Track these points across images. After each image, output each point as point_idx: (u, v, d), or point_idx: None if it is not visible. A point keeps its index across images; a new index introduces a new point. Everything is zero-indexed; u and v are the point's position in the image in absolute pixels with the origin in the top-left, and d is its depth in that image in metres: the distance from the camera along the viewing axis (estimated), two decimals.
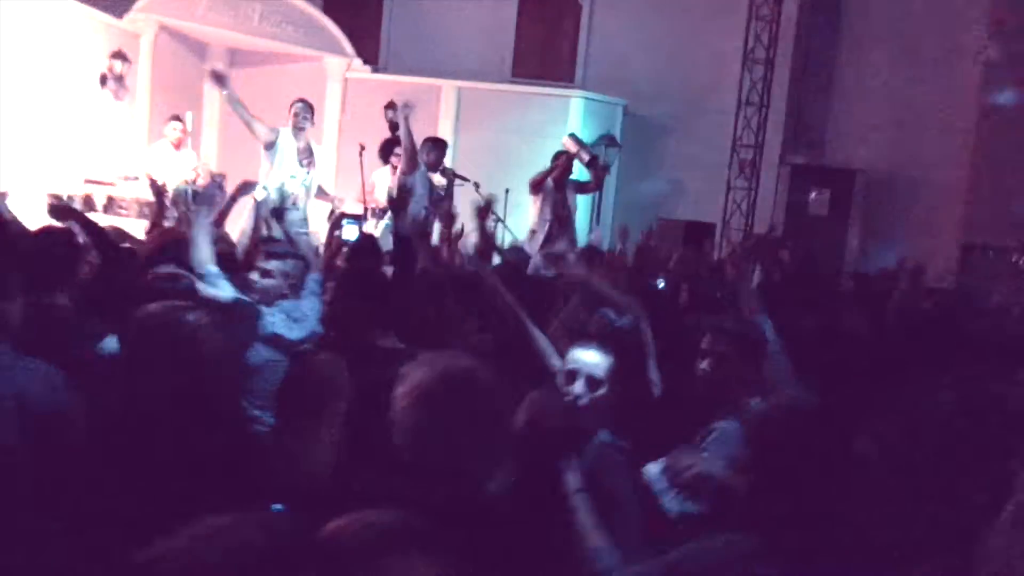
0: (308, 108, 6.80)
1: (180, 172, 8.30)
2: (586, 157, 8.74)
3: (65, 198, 7.15)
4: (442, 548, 1.18)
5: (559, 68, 12.59)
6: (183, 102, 10.57)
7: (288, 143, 6.64)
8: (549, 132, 10.49)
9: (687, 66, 11.78)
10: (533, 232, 8.29)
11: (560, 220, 8.24)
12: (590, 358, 2.59)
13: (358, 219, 6.16)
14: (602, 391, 2.54)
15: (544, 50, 12.69)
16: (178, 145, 8.89)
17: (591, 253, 5.21)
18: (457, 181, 8.15)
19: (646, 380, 3.19)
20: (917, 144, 11.85)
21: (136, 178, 7.95)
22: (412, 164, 7.41)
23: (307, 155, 6.72)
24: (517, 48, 12.65)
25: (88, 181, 7.73)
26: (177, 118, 8.97)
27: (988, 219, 10.85)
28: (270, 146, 6.57)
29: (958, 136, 11.38)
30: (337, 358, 2.46)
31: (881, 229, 11.81)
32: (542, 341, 3.21)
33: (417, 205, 7.32)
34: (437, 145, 7.85)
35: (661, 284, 5.22)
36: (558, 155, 8.40)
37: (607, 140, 11.29)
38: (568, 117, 11.23)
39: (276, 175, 6.57)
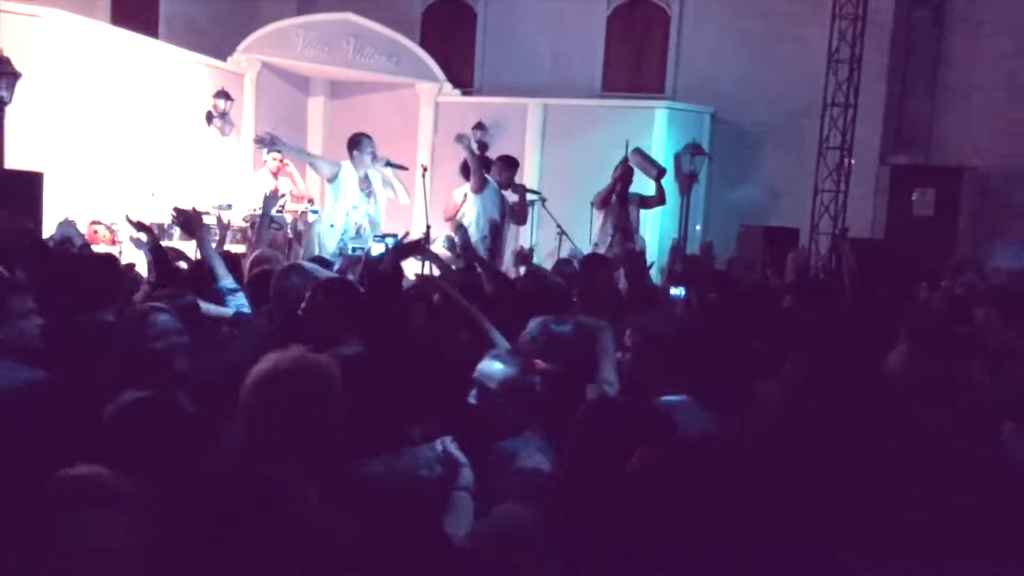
0: (369, 141, 7.27)
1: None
2: (653, 172, 8.82)
3: (166, 227, 7.95)
4: (138, 505, 1.48)
5: (649, 80, 12.68)
6: (289, 132, 11.41)
7: (350, 175, 7.11)
8: (636, 144, 10.58)
9: (774, 70, 11.63)
10: (595, 245, 8.43)
11: (623, 233, 8.36)
12: (487, 368, 2.82)
13: (383, 239, 6.53)
14: (499, 400, 2.74)
15: (634, 63, 12.82)
16: (276, 173, 9.64)
17: (593, 260, 5.35)
18: (528, 196, 8.40)
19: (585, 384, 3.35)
20: None
21: (229, 206, 8.70)
22: (479, 184, 7.75)
23: (366, 185, 7.17)
24: (607, 63, 12.83)
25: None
26: (277, 148, 9.72)
27: None
28: (333, 179, 7.06)
29: None
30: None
31: (994, 228, 11.24)
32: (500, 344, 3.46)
33: (483, 222, 7.69)
34: (509, 164, 8.14)
35: (680, 292, 5.33)
36: (617, 167, 8.53)
37: (693, 149, 11.31)
38: (653, 128, 11.32)
39: (341, 207, 7.05)
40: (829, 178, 10.63)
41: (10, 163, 7.86)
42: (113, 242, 7.92)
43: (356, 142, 7.21)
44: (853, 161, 10.87)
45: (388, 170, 7.33)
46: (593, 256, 5.69)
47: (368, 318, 3.28)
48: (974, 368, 3.76)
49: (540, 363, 3.30)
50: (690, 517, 1.95)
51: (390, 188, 7.36)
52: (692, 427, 2.79)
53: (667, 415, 2.26)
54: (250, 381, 1.97)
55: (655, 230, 10.94)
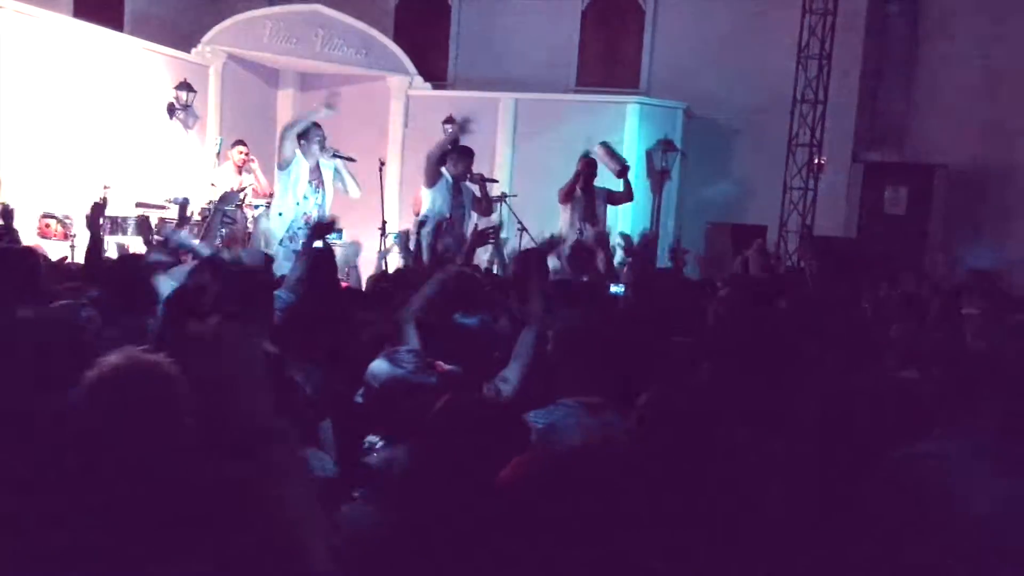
0: (318, 130, 7.17)
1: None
2: (616, 167, 8.72)
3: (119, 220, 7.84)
4: None
5: (623, 76, 12.60)
6: (257, 124, 11.32)
7: (301, 165, 7.02)
8: (607, 139, 10.48)
9: (747, 66, 11.55)
10: (563, 241, 8.35)
11: (591, 224, 8.29)
12: (373, 367, 2.77)
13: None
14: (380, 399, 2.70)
15: (608, 59, 12.74)
16: (240, 167, 9.52)
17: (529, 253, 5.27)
18: (488, 185, 8.32)
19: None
20: (1006, 136, 11.17)
21: (186, 200, 8.57)
22: (431, 179, 7.66)
23: (316, 176, 7.07)
24: (581, 59, 12.75)
25: (140, 204, 8.44)
26: (241, 142, 9.61)
27: None
28: (284, 167, 6.96)
29: None
30: None
31: (966, 227, 11.19)
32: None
33: (438, 215, 7.60)
34: (463, 155, 8.03)
35: (620, 289, 5.27)
36: (580, 160, 8.45)
37: (664, 144, 11.22)
38: (625, 123, 11.23)
39: (291, 197, 6.96)
40: (798, 175, 10.56)
41: None
42: (65, 236, 7.81)
43: (304, 132, 7.10)
44: (824, 159, 10.81)
45: (339, 162, 7.23)
46: (529, 250, 5.59)
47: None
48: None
49: (441, 365, 3.24)
50: (552, 532, 1.88)
51: (340, 181, 7.24)
52: (582, 432, 2.72)
53: (521, 421, 2.20)
54: (85, 382, 1.91)
55: (627, 227, 10.85)
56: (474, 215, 8.29)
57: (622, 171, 8.67)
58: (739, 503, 2.03)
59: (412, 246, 6.02)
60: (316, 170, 7.08)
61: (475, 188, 8.15)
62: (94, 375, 1.91)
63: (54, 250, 7.63)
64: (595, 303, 4.48)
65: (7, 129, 8.15)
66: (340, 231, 8.01)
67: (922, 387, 3.17)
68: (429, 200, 7.57)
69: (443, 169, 7.82)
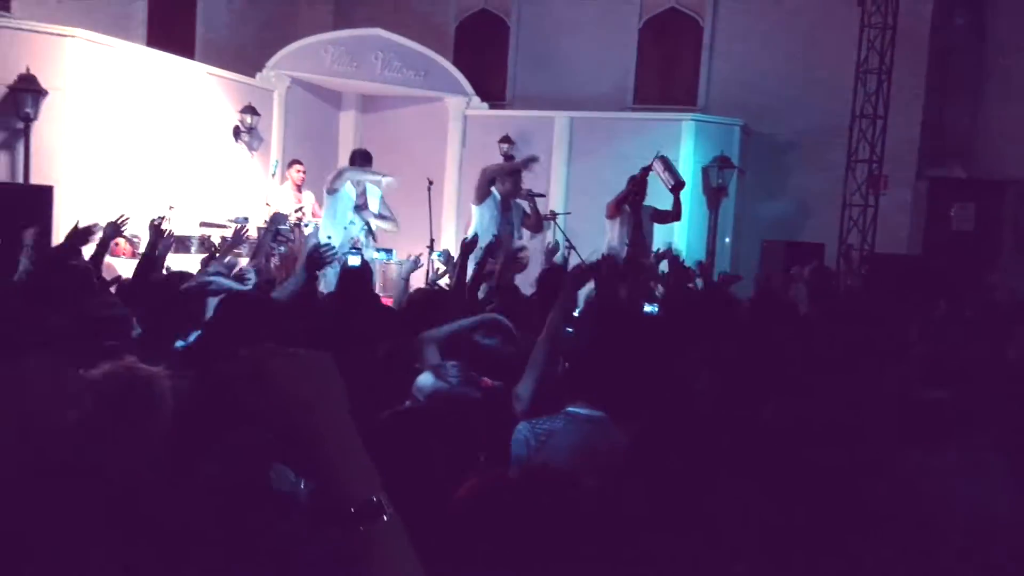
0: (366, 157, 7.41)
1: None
2: (670, 182, 8.72)
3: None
4: None
5: (681, 93, 12.57)
6: (320, 146, 11.67)
7: (349, 191, 7.25)
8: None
9: (805, 81, 11.43)
10: (609, 254, 8.38)
11: (635, 245, 8.30)
12: (419, 381, 2.90)
13: (359, 251, 6.62)
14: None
15: (665, 76, 12.73)
16: (300, 185, 9.84)
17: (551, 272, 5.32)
18: (537, 200, 8.41)
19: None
20: None
21: (245, 219, 8.90)
22: (480, 196, 7.80)
23: (362, 200, 7.29)
24: (639, 76, 12.77)
25: (203, 224, 8.79)
26: (297, 161, 9.94)
27: None
28: (332, 192, 7.20)
29: None
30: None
31: None
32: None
33: (486, 233, 7.73)
34: (511, 175, 8.15)
35: (653, 309, 5.29)
36: (632, 178, 8.48)
37: (720, 161, 11.15)
38: (681, 141, 11.21)
39: (339, 221, 7.19)
40: (858, 192, 10.37)
41: (38, 178, 8.19)
42: (133, 254, 8.18)
43: (364, 157, 7.35)
44: (886, 175, 10.59)
45: (381, 204, 7.48)
46: (551, 269, 5.64)
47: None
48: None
49: (487, 380, 3.35)
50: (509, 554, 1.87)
51: (389, 221, 7.49)
52: (574, 446, 2.78)
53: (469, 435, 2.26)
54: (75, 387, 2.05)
55: (682, 243, 10.80)
56: (525, 232, 8.39)
57: (676, 186, 8.65)
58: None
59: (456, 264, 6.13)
60: (363, 196, 7.30)
61: (525, 205, 8.24)
62: (83, 382, 2.04)
63: (123, 268, 8.02)
64: (621, 320, 4.51)
65: (80, 152, 8.59)
66: (390, 251, 8.23)
67: (940, 404, 3.15)
68: (477, 217, 7.71)
69: (492, 187, 7.96)
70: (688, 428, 2.76)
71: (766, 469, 2.56)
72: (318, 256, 3.90)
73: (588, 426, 2.86)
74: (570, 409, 2.93)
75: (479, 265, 5.73)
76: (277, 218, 5.82)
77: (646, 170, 8.48)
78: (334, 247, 7.04)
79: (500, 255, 7.25)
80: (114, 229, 5.14)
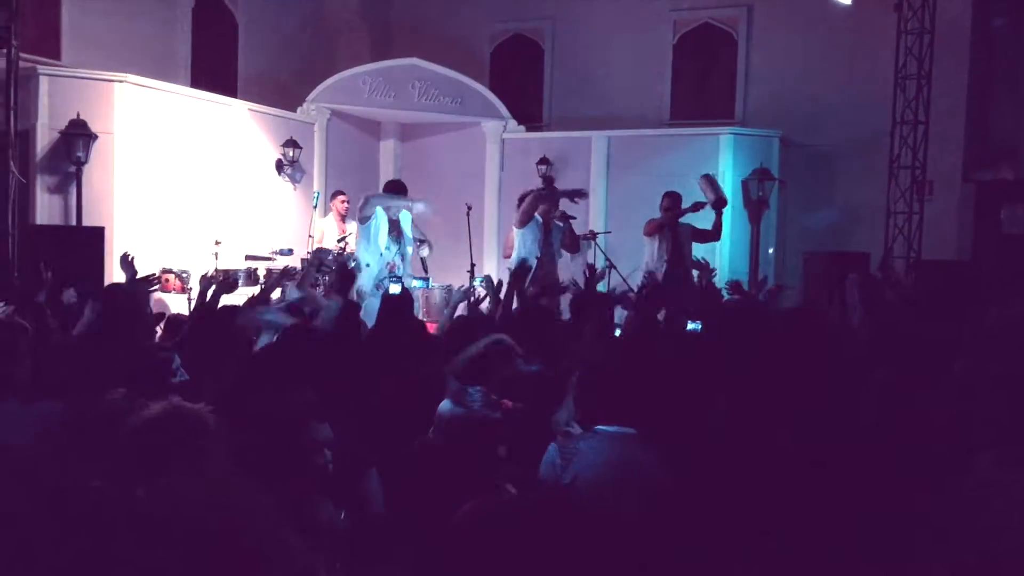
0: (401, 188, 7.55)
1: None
2: (712, 198, 8.68)
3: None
4: None
5: (718, 107, 12.52)
6: (361, 176, 11.87)
7: (383, 219, 7.38)
8: (702, 171, 10.39)
9: (844, 89, 11.33)
10: (651, 273, 8.40)
11: (673, 264, 8.31)
12: (440, 407, 2.99)
13: (400, 279, 6.69)
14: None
15: (701, 91, 12.70)
16: (343, 215, 10.00)
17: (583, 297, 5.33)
18: (570, 222, 8.45)
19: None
20: None
21: (290, 251, 9.10)
22: (523, 220, 7.89)
23: (396, 227, 7.43)
24: (675, 90, 12.77)
25: (249, 257, 8.99)
26: (340, 192, 10.10)
27: None
28: (365, 221, 7.34)
29: None
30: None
31: None
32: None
33: (530, 255, 7.81)
34: (544, 199, 8.21)
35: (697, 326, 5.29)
36: (666, 195, 8.49)
37: (760, 174, 11.09)
38: (719, 155, 11.18)
39: (374, 248, 7.33)
40: (902, 199, 10.22)
41: (89, 220, 8.46)
42: (183, 289, 8.40)
43: (397, 187, 7.49)
44: (930, 181, 10.43)
45: (413, 228, 7.61)
46: (582, 293, 5.64)
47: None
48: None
49: (508, 402, 3.41)
50: None
51: (425, 245, 7.62)
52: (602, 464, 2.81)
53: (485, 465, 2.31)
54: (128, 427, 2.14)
55: (724, 257, 10.75)
56: (565, 254, 8.46)
57: (718, 202, 8.62)
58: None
59: (503, 294, 6.12)
60: (396, 222, 7.42)
61: (562, 224, 8.31)
62: (134, 420, 2.14)
63: (172, 303, 8.23)
64: (663, 339, 4.54)
65: (130, 193, 8.87)
66: (427, 279, 8.33)
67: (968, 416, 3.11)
68: (519, 240, 7.79)
69: (536, 212, 8.05)
70: (719, 453, 2.78)
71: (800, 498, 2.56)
72: (347, 272, 4.00)
73: (619, 444, 2.88)
74: (600, 428, 2.95)
75: (510, 289, 5.74)
76: (320, 253, 5.93)
77: (700, 204, 8.43)
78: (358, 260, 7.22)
79: (535, 278, 7.32)
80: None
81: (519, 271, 6.08)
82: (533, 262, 7.66)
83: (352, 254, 9.44)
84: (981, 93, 11.26)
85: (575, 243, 8.38)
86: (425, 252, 8.01)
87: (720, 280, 7.16)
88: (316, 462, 2.41)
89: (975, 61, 11.14)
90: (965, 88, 11.07)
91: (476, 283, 7.78)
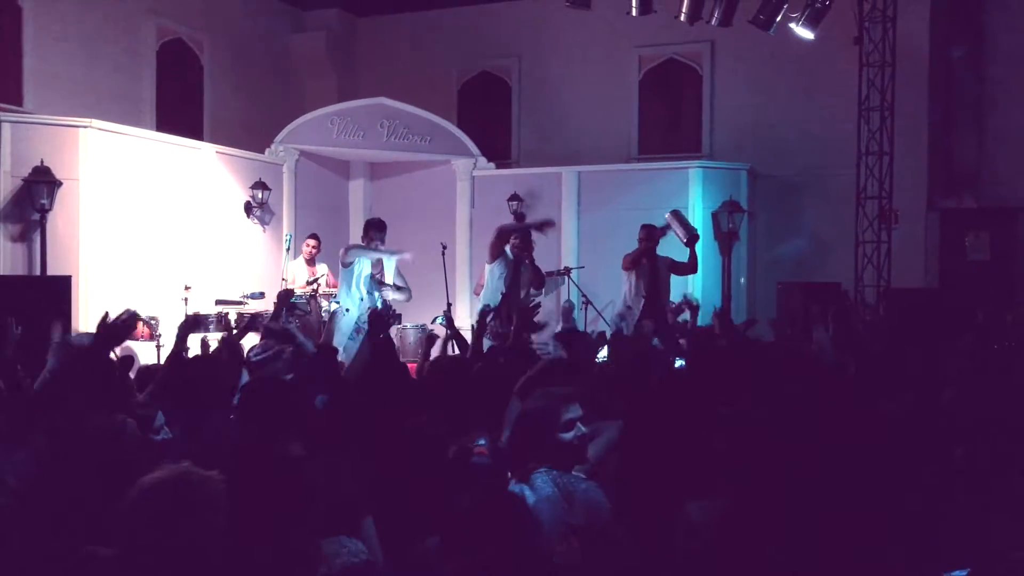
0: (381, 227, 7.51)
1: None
2: (685, 235, 8.69)
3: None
4: None
5: (685, 141, 12.66)
6: (331, 216, 11.78)
7: (364, 263, 7.32)
8: (672, 205, 10.44)
9: (808, 121, 11.52)
10: (629, 308, 8.38)
11: (651, 298, 8.29)
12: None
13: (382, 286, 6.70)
14: None
15: (669, 126, 12.83)
16: (310, 258, 9.87)
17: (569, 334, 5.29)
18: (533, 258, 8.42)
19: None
20: None
21: (261, 294, 8.95)
22: (493, 255, 7.87)
23: (379, 270, 7.37)
24: (642, 127, 12.89)
25: (219, 301, 8.83)
26: (313, 236, 9.99)
27: None
28: (348, 265, 7.27)
29: None
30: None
31: None
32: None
33: (495, 291, 7.78)
34: (511, 232, 8.19)
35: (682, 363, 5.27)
36: (643, 228, 8.50)
37: (729, 206, 11.16)
38: (689, 188, 11.25)
39: (355, 292, 7.26)
40: (870, 228, 10.35)
41: (55, 269, 8.27)
42: (151, 336, 8.22)
43: (377, 226, 7.46)
44: (896, 210, 10.58)
45: (396, 275, 7.58)
46: (570, 331, 5.61)
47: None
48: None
49: (483, 448, 3.34)
50: None
51: (403, 292, 7.59)
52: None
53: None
54: (134, 492, 2.04)
55: (696, 289, 10.77)
56: (533, 290, 8.42)
57: (691, 239, 8.63)
58: None
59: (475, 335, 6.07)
60: (378, 264, 7.36)
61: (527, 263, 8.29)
62: (138, 486, 2.04)
63: (141, 351, 8.05)
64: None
65: (95, 237, 8.69)
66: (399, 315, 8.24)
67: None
68: (488, 275, 7.76)
69: (506, 246, 8.01)
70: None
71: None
72: (384, 317, 3.92)
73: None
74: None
75: (478, 328, 5.68)
76: (282, 296, 5.82)
77: (663, 230, 8.47)
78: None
79: (499, 314, 7.26)
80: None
81: (484, 315, 6.08)
82: (498, 298, 7.63)
83: (326, 295, 9.37)
84: (942, 123, 11.48)
85: (539, 279, 8.36)
86: (402, 298, 7.92)
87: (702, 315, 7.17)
88: (312, 512, 2.34)
89: (935, 91, 11.38)
90: (926, 119, 11.30)
91: (438, 321, 7.73)
